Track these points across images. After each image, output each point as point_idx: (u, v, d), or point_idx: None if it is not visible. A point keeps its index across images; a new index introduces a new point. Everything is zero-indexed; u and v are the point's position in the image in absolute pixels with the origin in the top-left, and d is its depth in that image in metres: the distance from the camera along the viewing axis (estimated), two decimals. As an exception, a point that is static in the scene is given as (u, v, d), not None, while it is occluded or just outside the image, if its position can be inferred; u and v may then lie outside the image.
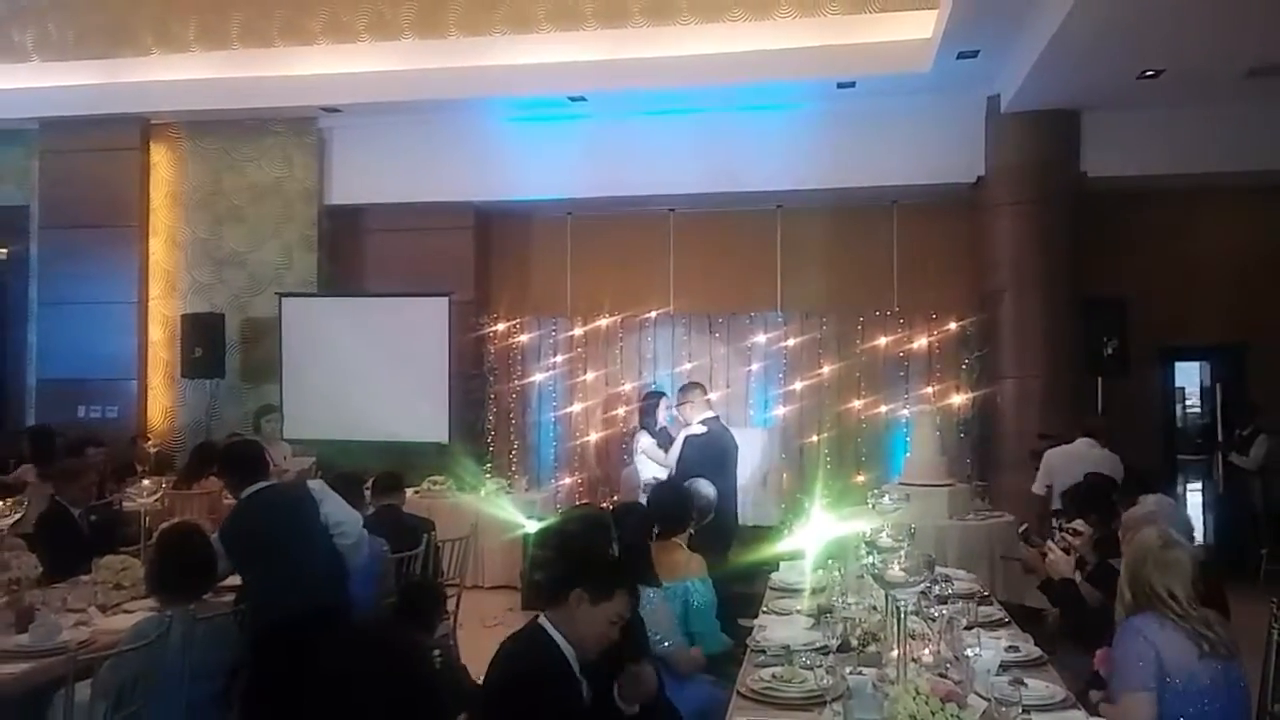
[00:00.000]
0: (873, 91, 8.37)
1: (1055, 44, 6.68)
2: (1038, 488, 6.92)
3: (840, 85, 8.36)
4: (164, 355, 9.64)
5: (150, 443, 8.83)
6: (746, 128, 8.87)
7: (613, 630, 2.83)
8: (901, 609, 2.88)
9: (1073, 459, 6.65)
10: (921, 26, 7.75)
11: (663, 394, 7.34)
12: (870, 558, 2.97)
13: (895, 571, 2.70)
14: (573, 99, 8.83)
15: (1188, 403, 13.48)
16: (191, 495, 6.25)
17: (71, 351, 9.44)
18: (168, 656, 3.10)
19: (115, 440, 8.50)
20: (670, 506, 4.28)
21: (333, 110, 9.34)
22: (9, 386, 10.07)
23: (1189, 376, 12.02)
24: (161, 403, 9.65)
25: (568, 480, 9.46)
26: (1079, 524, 4.56)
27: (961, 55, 7.63)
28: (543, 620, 2.86)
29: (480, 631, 6.58)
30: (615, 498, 8.38)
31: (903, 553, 2.90)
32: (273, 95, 9.10)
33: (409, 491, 7.85)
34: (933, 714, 2.30)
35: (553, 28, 8.53)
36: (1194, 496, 10.46)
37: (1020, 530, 5.01)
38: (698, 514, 4.88)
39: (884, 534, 3.30)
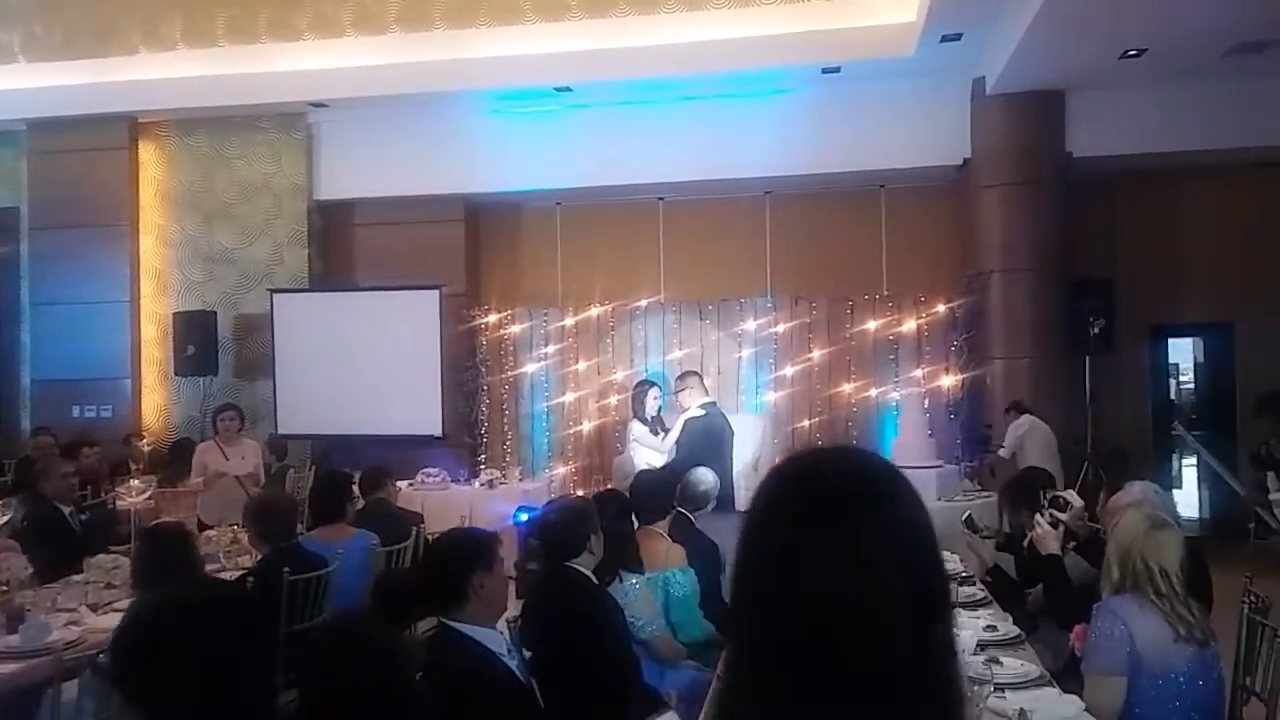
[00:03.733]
0: (858, 76, 8.38)
1: (1038, 25, 6.69)
2: (1006, 453, 7.41)
3: (825, 70, 8.37)
4: (157, 353, 9.67)
5: (144, 441, 8.87)
6: (733, 115, 8.88)
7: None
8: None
9: (1038, 430, 7.43)
10: (905, 10, 7.75)
11: (653, 383, 7.39)
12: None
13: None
14: (558, 89, 8.84)
15: (1182, 379, 13.56)
16: (179, 494, 6.28)
17: (65, 352, 9.46)
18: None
19: (110, 439, 8.57)
20: (651, 493, 4.31)
21: (320, 105, 9.35)
22: (4, 388, 10.10)
23: (1181, 353, 12.06)
24: (156, 401, 9.69)
25: (561, 470, 9.50)
26: (1070, 494, 4.55)
27: (945, 38, 7.64)
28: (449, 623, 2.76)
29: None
30: (609, 486, 8.42)
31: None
32: (260, 91, 9.10)
33: (402, 484, 7.95)
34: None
35: (538, 18, 8.52)
36: (1189, 471, 10.52)
37: (964, 517, 4.93)
38: (693, 502, 4.86)
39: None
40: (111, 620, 3.70)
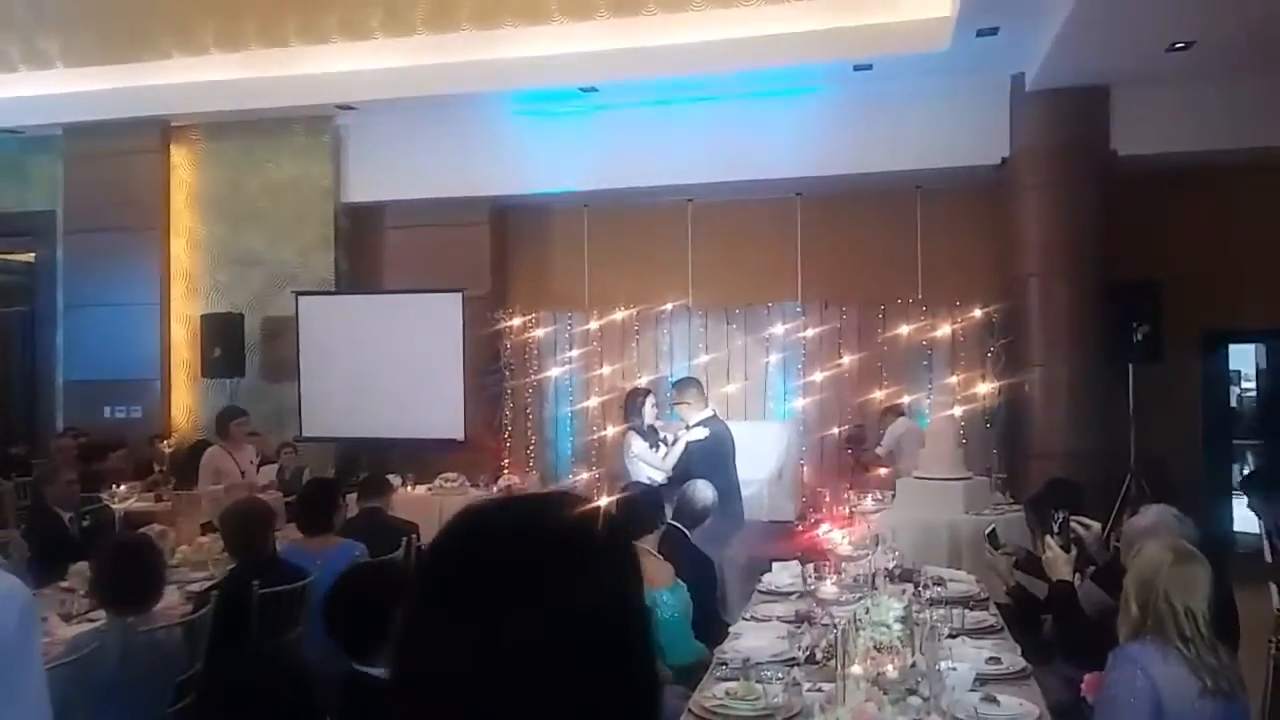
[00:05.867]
0: (891, 73, 8.10)
1: (1078, 17, 6.38)
2: (883, 451, 7.76)
3: (857, 68, 8.11)
4: (186, 355, 9.72)
5: (166, 443, 8.91)
6: (763, 114, 8.65)
7: None
8: (850, 624, 2.72)
9: (914, 432, 7.60)
10: (938, 3, 7.46)
11: (648, 391, 7.03)
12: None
13: (828, 587, 2.53)
14: (584, 90, 8.70)
15: (1244, 386, 12.97)
16: (196, 496, 6.24)
17: (97, 353, 9.56)
18: (104, 670, 3.04)
19: (138, 440, 8.63)
20: (636, 508, 4.12)
21: (348, 108, 9.33)
22: (39, 388, 10.25)
23: (1241, 360, 11.51)
24: (184, 402, 9.74)
25: (585, 475, 9.34)
26: (1087, 520, 4.29)
27: (981, 33, 7.32)
28: None
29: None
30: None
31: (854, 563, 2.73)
32: (289, 94, 9.09)
33: (420, 488, 7.89)
34: (855, 743, 2.14)
35: (564, 18, 8.38)
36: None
37: (987, 531, 4.56)
38: (690, 517, 4.73)
39: (844, 541, 3.14)
40: (78, 629, 3.59)
